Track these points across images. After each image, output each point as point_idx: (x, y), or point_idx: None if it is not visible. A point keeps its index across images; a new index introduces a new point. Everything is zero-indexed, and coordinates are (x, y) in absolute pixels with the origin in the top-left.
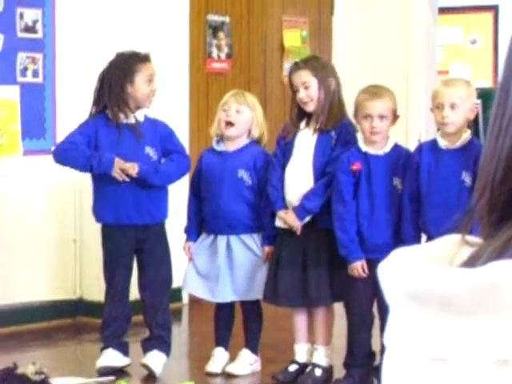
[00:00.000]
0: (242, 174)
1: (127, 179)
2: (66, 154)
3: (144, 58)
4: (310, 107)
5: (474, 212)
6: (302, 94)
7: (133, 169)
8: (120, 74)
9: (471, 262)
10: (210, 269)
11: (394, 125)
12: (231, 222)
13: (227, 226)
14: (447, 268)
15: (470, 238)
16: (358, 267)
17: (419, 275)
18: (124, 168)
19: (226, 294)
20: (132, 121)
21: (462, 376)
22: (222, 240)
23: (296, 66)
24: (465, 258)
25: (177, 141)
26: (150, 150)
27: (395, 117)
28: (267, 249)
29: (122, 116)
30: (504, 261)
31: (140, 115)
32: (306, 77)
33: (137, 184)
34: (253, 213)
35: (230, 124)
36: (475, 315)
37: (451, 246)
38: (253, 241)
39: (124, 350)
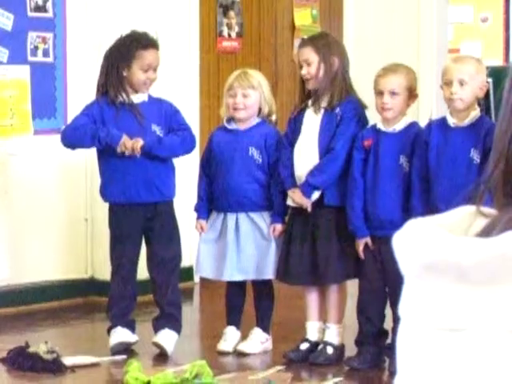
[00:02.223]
0: (253, 151)
1: (134, 153)
2: (73, 135)
3: (146, 45)
4: (311, 84)
5: (488, 183)
6: (303, 71)
7: (137, 142)
8: (118, 56)
9: (486, 233)
10: (220, 247)
11: (411, 103)
12: (241, 199)
13: (237, 204)
14: (462, 238)
15: (485, 209)
16: (361, 244)
17: (434, 246)
18: (131, 144)
19: (233, 272)
20: (133, 101)
21: (478, 346)
22: (231, 218)
23: (301, 43)
24: (479, 228)
25: (182, 119)
26: (156, 129)
27: (412, 95)
28: (278, 227)
29: (121, 97)
30: None
31: (143, 95)
32: (308, 54)
33: (144, 160)
34: (263, 191)
35: (238, 110)
36: (490, 285)
37: (466, 217)
38: (262, 219)
39: (132, 327)
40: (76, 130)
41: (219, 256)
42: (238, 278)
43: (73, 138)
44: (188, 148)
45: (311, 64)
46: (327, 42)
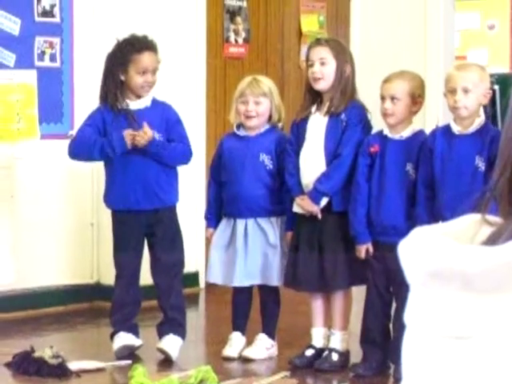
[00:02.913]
0: (264, 157)
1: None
2: (79, 150)
3: (141, 48)
4: (320, 85)
5: (493, 191)
6: (316, 68)
7: (145, 133)
8: (115, 61)
9: (492, 241)
10: (229, 253)
11: (416, 109)
12: (250, 205)
13: (246, 210)
14: (468, 246)
15: (491, 217)
16: (362, 250)
17: (440, 254)
18: (142, 133)
19: (242, 277)
20: (132, 107)
21: (484, 353)
22: (240, 224)
23: (317, 42)
24: (485, 236)
25: (183, 130)
26: (156, 135)
27: (415, 101)
28: (290, 233)
29: (119, 102)
30: None
31: (145, 101)
32: (325, 53)
33: (143, 168)
34: (272, 197)
35: (250, 116)
36: (496, 293)
37: (471, 225)
38: (270, 225)
39: (135, 331)
40: (82, 145)
41: (229, 262)
42: (246, 283)
43: (80, 153)
44: (183, 161)
45: (326, 64)
46: (342, 48)
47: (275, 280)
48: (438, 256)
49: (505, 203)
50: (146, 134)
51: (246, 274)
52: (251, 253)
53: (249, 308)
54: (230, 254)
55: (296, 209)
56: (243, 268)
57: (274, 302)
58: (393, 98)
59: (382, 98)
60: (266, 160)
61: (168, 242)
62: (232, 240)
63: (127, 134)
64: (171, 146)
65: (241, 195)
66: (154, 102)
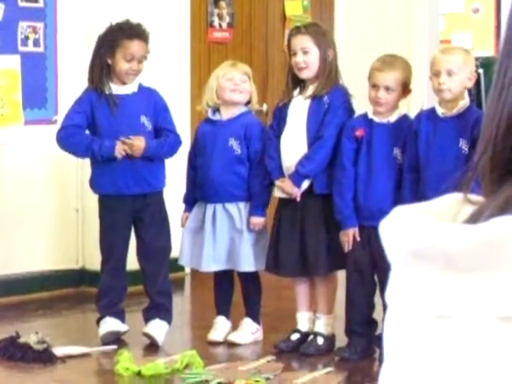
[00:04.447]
0: (232, 142)
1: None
2: (67, 143)
3: (131, 35)
4: (305, 74)
5: (475, 170)
6: (299, 59)
7: (140, 140)
8: (103, 44)
9: (473, 219)
10: (199, 238)
11: (404, 97)
12: (219, 190)
13: (215, 195)
14: (449, 224)
15: (472, 196)
16: (350, 234)
17: (421, 232)
18: (130, 143)
19: (209, 262)
20: (119, 92)
21: (465, 333)
22: (209, 208)
23: (297, 30)
24: (467, 215)
25: (170, 118)
26: (144, 120)
27: (406, 90)
28: (255, 220)
29: (104, 86)
30: (506, 216)
31: (132, 86)
32: (306, 43)
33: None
34: (241, 182)
35: (236, 91)
36: (477, 272)
37: (453, 204)
38: (237, 210)
39: (121, 317)
40: (70, 138)
41: (198, 246)
42: (214, 268)
43: (67, 146)
44: (175, 151)
45: (308, 53)
46: (323, 33)
47: (242, 265)
48: (419, 234)
49: (486, 182)
50: (140, 141)
51: (213, 258)
52: (219, 238)
53: (231, 292)
54: (200, 238)
55: (277, 193)
56: (211, 253)
57: (254, 287)
58: (387, 88)
59: (374, 86)
60: (235, 145)
61: (155, 227)
62: (202, 225)
63: (119, 144)
64: (165, 145)
65: (210, 180)
66: (141, 87)
